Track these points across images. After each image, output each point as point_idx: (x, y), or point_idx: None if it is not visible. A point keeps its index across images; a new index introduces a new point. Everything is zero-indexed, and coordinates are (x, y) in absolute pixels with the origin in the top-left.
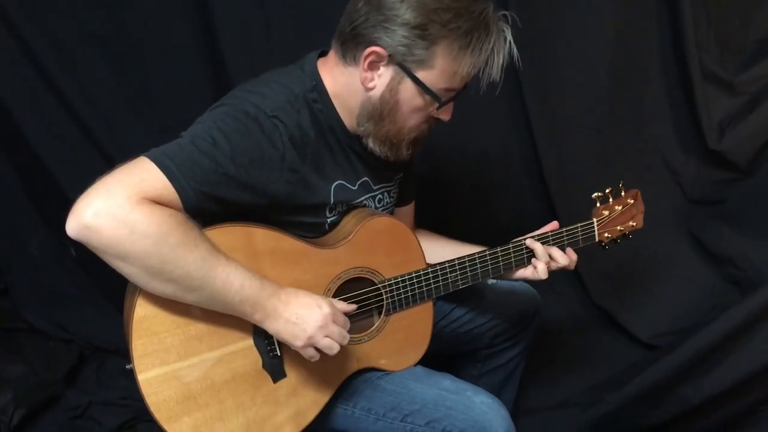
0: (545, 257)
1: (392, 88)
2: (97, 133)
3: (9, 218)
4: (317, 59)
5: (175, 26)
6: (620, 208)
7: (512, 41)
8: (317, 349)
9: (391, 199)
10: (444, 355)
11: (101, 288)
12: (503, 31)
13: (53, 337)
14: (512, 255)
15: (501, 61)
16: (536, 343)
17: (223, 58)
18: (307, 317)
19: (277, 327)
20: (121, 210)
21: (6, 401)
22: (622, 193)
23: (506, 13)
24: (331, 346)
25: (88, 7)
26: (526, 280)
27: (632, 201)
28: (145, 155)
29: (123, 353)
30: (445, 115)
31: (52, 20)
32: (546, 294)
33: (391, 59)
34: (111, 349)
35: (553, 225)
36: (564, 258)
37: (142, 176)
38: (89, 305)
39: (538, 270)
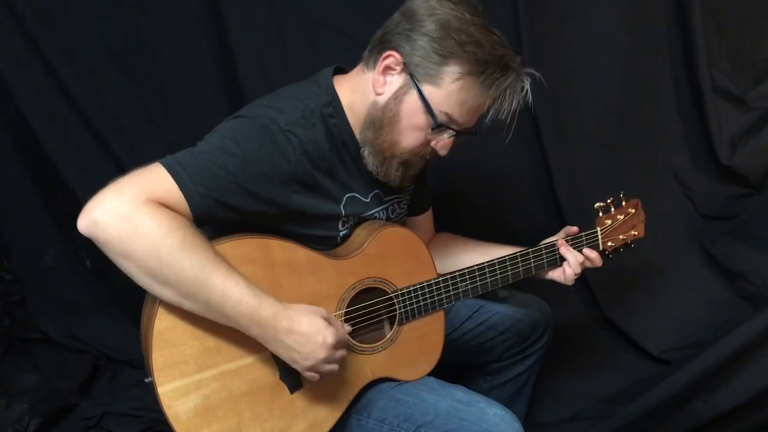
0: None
1: (397, 97)
2: (113, 145)
3: (25, 229)
4: (332, 75)
5: (190, 39)
6: (622, 217)
7: (530, 91)
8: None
9: (402, 210)
10: (454, 368)
11: (116, 299)
12: (523, 80)
13: (68, 347)
14: (520, 265)
15: (513, 105)
16: (547, 357)
17: (237, 71)
18: (308, 349)
19: (277, 349)
20: (126, 208)
21: (21, 411)
22: (623, 203)
23: (533, 72)
24: (332, 371)
25: (105, 20)
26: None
27: (633, 210)
28: (159, 161)
29: (137, 364)
30: (442, 148)
31: (68, 32)
32: (557, 308)
33: (405, 68)
34: (125, 359)
35: (573, 230)
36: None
37: (152, 179)
38: (104, 316)
39: (566, 274)
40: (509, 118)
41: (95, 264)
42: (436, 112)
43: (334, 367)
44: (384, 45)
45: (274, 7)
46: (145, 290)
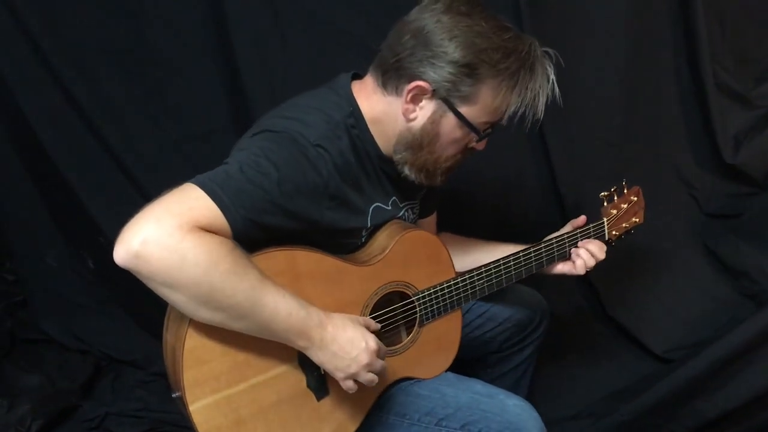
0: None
1: (434, 121)
2: (113, 145)
3: (26, 230)
4: (350, 81)
5: (190, 39)
6: (625, 206)
7: (555, 80)
8: (356, 381)
9: (414, 215)
10: (455, 362)
11: (118, 300)
12: (547, 69)
13: (70, 348)
14: (533, 260)
15: (545, 100)
16: (550, 355)
17: (239, 71)
18: (353, 354)
19: (321, 358)
20: (171, 238)
21: (24, 412)
22: (625, 191)
23: (549, 51)
24: (372, 380)
25: (106, 19)
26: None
27: (635, 198)
28: (192, 182)
29: (139, 364)
30: (480, 146)
31: (69, 32)
32: (560, 306)
33: (435, 93)
34: (127, 360)
35: (579, 221)
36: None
37: (191, 204)
38: (106, 317)
39: (576, 265)
40: (542, 113)
41: (97, 264)
42: (476, 125)
43: (374, 377)
44: (402, 72)
45: (275, 6)
46: (154, 298)
